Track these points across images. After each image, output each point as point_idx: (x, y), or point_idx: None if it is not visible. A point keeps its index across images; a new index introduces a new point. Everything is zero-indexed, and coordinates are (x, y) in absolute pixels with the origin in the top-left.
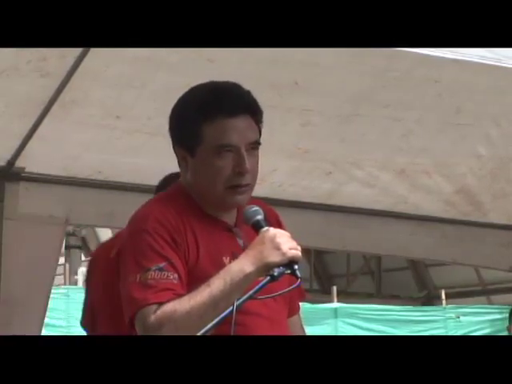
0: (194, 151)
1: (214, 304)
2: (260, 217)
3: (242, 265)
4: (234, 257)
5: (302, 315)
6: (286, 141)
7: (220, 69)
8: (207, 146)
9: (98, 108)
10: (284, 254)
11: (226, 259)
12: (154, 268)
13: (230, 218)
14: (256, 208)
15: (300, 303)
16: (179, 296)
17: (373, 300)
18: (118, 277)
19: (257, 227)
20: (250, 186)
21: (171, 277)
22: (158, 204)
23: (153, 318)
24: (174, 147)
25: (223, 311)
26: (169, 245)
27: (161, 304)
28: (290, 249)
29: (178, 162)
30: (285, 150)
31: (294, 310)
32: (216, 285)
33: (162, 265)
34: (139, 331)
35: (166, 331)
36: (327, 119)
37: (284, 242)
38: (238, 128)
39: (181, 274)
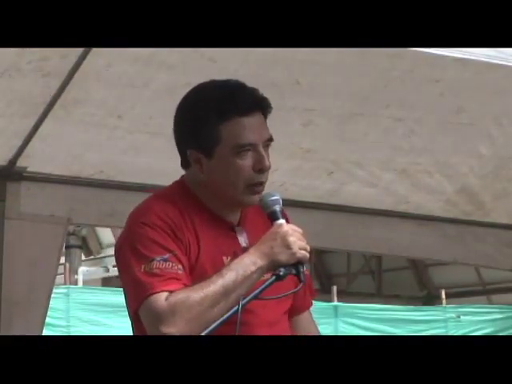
0: (211, 152)
1: (226, 295)
2: (278, 207)
3: (254, 258)
4: (236, 257)
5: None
6: (287, 140)
7: (221, 68)
8: (225, 146)
9: (100, 108)
10: (293, 254)
11: (226, 259)
12: (158, 259)
13: (234, 217)
14: (276, 197)
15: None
16: (186, 287)
17: (373, 299)
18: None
19: (272, 217)
20: (264, 185)
21: (176, 267)
22: (159, 200)
23: (165, 304)
24: (182, 150)
25: (234, 303)
26: (171, 238)
27: (171, 292)
28: (300, 249)
29: (185, 162)
30: (286, 149)
31: (303, 308)
32: (228, 275)
33: (167, 256)
34: (148, 318)
35: (179, 318)
36: (329, 119)
37: (295, 242)
38: (254, 126)
39: (185, 266)
